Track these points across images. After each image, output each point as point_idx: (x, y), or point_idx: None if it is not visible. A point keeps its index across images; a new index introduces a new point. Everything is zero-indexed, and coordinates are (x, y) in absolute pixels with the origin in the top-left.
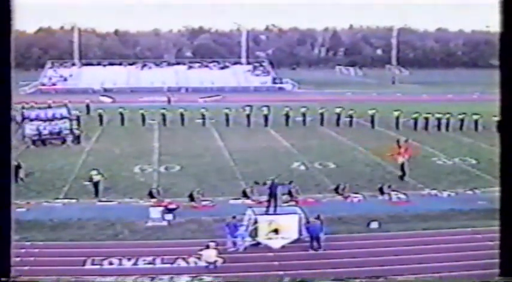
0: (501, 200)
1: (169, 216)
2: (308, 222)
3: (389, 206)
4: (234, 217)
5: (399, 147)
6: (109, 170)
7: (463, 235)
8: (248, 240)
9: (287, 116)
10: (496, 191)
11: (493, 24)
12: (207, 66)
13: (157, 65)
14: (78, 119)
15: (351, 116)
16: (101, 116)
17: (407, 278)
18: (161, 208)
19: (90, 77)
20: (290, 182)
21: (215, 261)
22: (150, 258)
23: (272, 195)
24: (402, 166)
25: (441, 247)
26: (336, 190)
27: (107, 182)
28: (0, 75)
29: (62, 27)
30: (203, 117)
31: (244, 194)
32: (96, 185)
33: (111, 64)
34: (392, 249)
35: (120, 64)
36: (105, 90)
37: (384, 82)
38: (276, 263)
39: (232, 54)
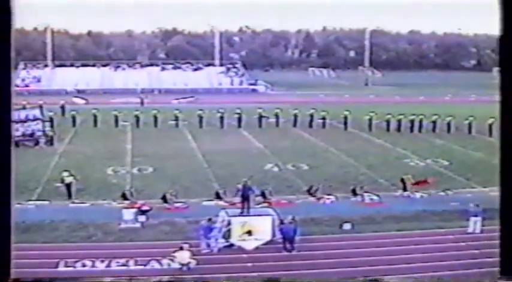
0: (501, 200)
1: (142, 218)
2: (282, 223)
3: (362, 207)
4: (209, 219)
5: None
6: (82, 172)
7: (436, 236)
8: (222, 242)
9: (260, 118)
10: (467, 192)
11: (465, 26)
12: (180, 67)
13: (130, 66)
14: (51, 120)
15: (323, 118)
16: (74, 117)
17: (380, 278)
18: (134, 210)
19: (63, 78)
20: (263, 190)
21: (189, 263)
22: (123, 260)
23: (244, 197)
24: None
25: (414, 248)
26: (309, 191)
27: (80, 184)
28: (0, 75)
29: (35, 28)
30: (176, 118)
31: (218, 196)
32: (68, 186)
33: (84, 65)
34: (366, 251)
35: (94, 65)
36: (78, 91)
37: (356, 84)
38: (250, 264)
39: (206, 55)
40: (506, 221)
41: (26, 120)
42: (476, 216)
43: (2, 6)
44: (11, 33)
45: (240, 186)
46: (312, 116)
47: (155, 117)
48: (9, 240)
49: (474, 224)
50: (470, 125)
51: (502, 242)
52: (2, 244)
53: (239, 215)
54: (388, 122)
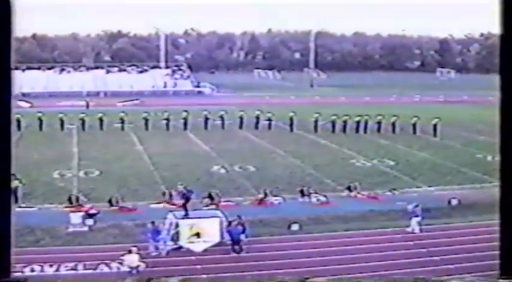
0: (501, 200)
1: (90, 222)
2: (230, 225)
3: (310, 208)
4: (152, 223)
5: None
6: (28, 176)
7: (383, 235)
8: (170, 244)
9: (206, 120)
10: (412, 192)
11: (409, 27)
12: (125, 70)
13: (75, 69)
14: None
15: (269, 119)
16: (18, 121)
17: (329, 279)
18: (82, 213)
19: None
20: (210, 192)
21: (138, 266)
22: (72, 264)
23: (185, 199)
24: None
25: (362, 248)
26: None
27: (26, 188)
28: (0, 75)
29: None
30: (122, 121)
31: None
32: (14, 191)
33: (30, 68)
34: (314, 251)
35: (39, 68)
36: (24, 94)
37: (302, 85)
38: (199, 266)
39: (151, 58)
40: (506, 219)
41: None
42: (416, 216)
43: (2, 6)
44: (11, 32)
45: (180, 188)
46: (257, 117)
47: (101, 120)
48: (9, 243)
49: (415, 224)
50: (414, 125)
51: (502, 241)
52: (2, 246)
53: (186, 217)
54: (333, 123)
